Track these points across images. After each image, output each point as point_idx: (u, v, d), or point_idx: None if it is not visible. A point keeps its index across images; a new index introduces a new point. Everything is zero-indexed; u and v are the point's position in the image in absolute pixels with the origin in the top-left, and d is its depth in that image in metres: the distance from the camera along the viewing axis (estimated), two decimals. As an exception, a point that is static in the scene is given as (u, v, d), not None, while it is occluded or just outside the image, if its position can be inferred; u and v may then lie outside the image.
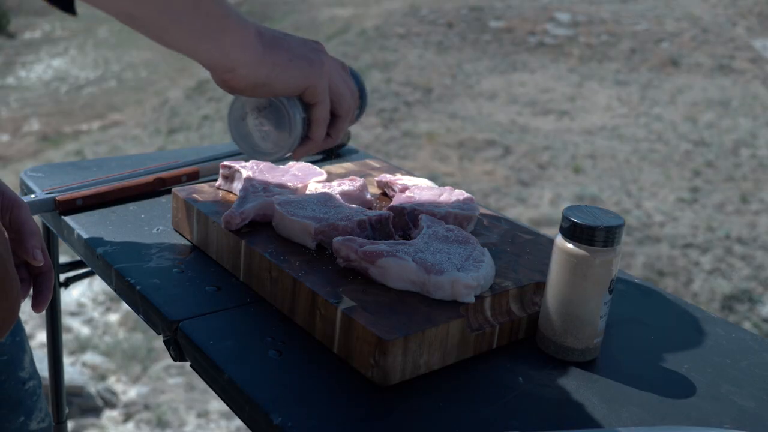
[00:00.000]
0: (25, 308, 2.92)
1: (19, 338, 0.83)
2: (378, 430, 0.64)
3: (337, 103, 0.75)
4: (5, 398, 0.86)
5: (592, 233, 0.71)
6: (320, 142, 0.77)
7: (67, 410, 1.29)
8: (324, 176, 0.99)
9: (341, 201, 0.89)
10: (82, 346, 2.70)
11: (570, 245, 0.72)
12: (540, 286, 0.81)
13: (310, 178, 0.97)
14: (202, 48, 0.66)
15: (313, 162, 1.26)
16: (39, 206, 0.99)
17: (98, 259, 0.90)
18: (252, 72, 0.69)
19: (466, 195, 0.96)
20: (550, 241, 0.91)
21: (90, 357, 2.63)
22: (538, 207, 4.24)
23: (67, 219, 0.98)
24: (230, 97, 0.79)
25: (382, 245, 0.78)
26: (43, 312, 1.20)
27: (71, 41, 8.11)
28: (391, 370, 0.69)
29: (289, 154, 0.78)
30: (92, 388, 2.44)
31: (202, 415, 2.35)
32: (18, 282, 0.74)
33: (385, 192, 1.02)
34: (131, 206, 1.03)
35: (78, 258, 1.02)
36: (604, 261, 0.72)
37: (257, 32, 0.68)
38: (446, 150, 4.85)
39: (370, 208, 0.93)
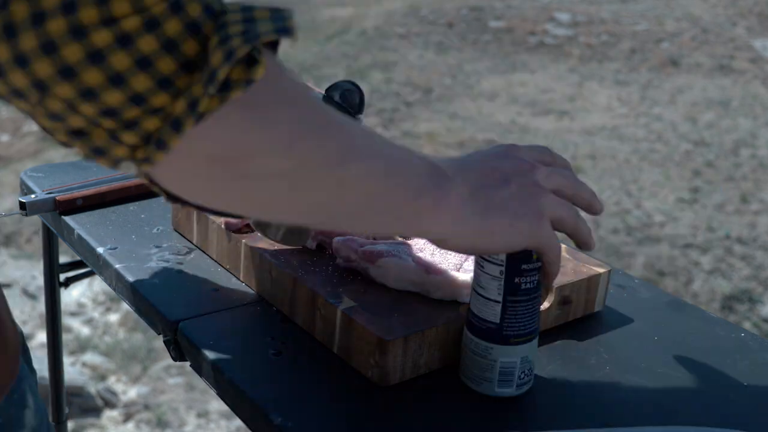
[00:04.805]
0: (25, 308, 2.92)
1: (17, 395, 0.71)
2: (378, 430, 0.64)
3: (569, 230, 0.64)
4: None
5: None
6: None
7: (67, 410, 1.29)
8: None
9: None
10: (82, 346, 2.69)
11: None
12: (540, 286, 0.81)
13: None
14: (397, 231, 0.59)
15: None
16: (39, 206, 0.99)
17: (98, 259, 0.90)
18: (466, 242, 0.60)
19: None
20: (550, 241, 0.91)
21: (90, 357, 2.63)
22: (538, 207, 4.23)
23: (67, 219, 0.98)
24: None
25: (382, 245, 0.78)
26: (43, 312, 1.21)
27: (71, 41, 8.10)
28: (391, 370, 0.69)
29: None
30: (92, 388, 2.44)
31: (202, 415, 2.35)
32: (17, 335, 0.67)
33: None
34: (131, 206, 1.03)
35: (78, 258, 1.02)
36: None
37: (469, 195, 0.56)
38: (446, 150, 4.85)
39: None
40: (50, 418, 1.28)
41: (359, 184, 0.50)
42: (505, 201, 0.58)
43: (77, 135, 0.42)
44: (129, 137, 0.41)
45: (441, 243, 0.59)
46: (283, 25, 0.41)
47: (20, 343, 0.84)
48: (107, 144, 0.42)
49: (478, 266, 0.67)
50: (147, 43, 0.38)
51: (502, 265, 0.65)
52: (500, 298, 0.66)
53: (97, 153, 0.42)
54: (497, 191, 0.58)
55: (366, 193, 0.51)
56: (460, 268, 0.76)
